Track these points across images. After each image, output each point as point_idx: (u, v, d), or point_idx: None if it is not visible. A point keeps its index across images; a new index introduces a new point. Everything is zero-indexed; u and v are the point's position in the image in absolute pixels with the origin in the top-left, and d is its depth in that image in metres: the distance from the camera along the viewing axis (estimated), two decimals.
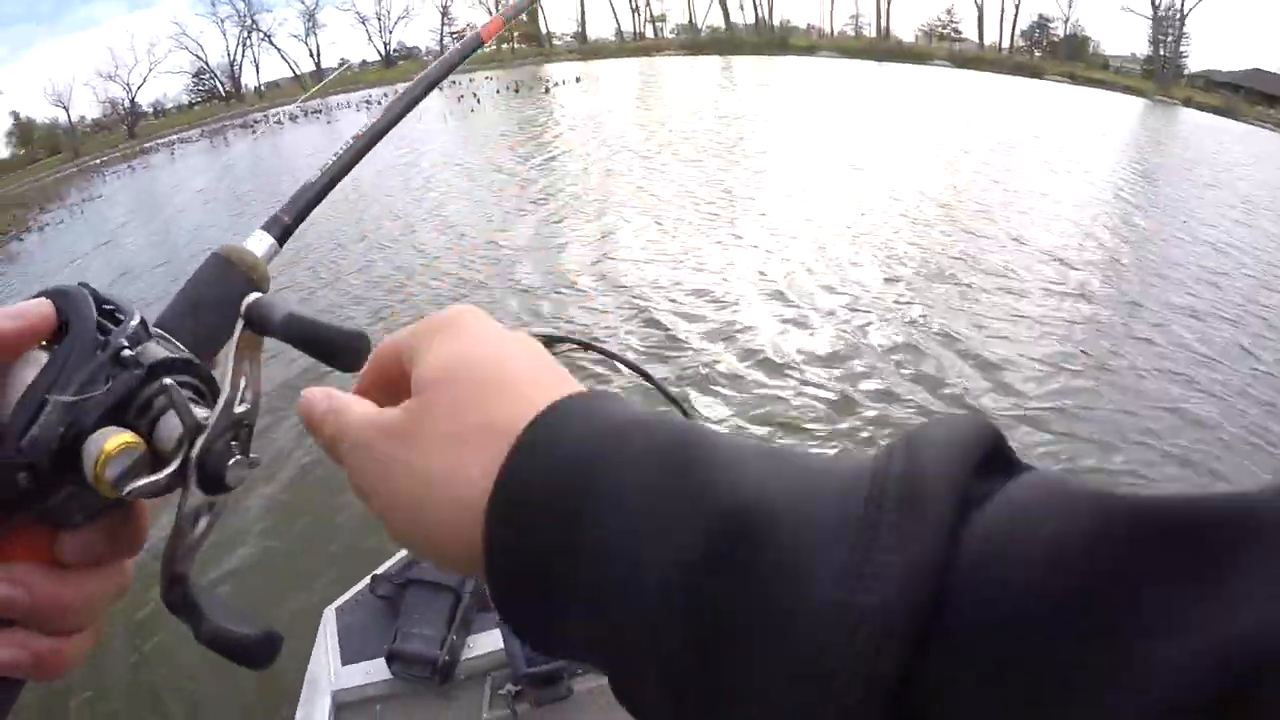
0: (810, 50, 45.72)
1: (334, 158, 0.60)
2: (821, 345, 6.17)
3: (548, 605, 0.30)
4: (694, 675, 0.25)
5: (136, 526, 0.41)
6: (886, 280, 7.65)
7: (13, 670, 0.37)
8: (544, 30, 51.06)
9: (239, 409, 0.40)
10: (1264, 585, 0.19)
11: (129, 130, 41.22)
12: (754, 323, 6.68)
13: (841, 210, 10.36)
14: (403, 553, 2.28)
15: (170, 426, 0.38)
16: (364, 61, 51.55)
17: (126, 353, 0.38)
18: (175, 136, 37.57)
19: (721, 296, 7.28)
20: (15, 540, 0.38)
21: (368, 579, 2.31)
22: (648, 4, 50.84)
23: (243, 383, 0.40)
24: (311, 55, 50.14)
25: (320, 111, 35.91)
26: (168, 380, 0.39)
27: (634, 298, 7.38)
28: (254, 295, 0.40)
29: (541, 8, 49.17)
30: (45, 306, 0.38)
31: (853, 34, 49.02)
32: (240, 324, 0.39)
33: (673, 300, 7.24)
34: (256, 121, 36.83)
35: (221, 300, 0.49)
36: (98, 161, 33.32)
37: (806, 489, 0.26)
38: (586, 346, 1.83)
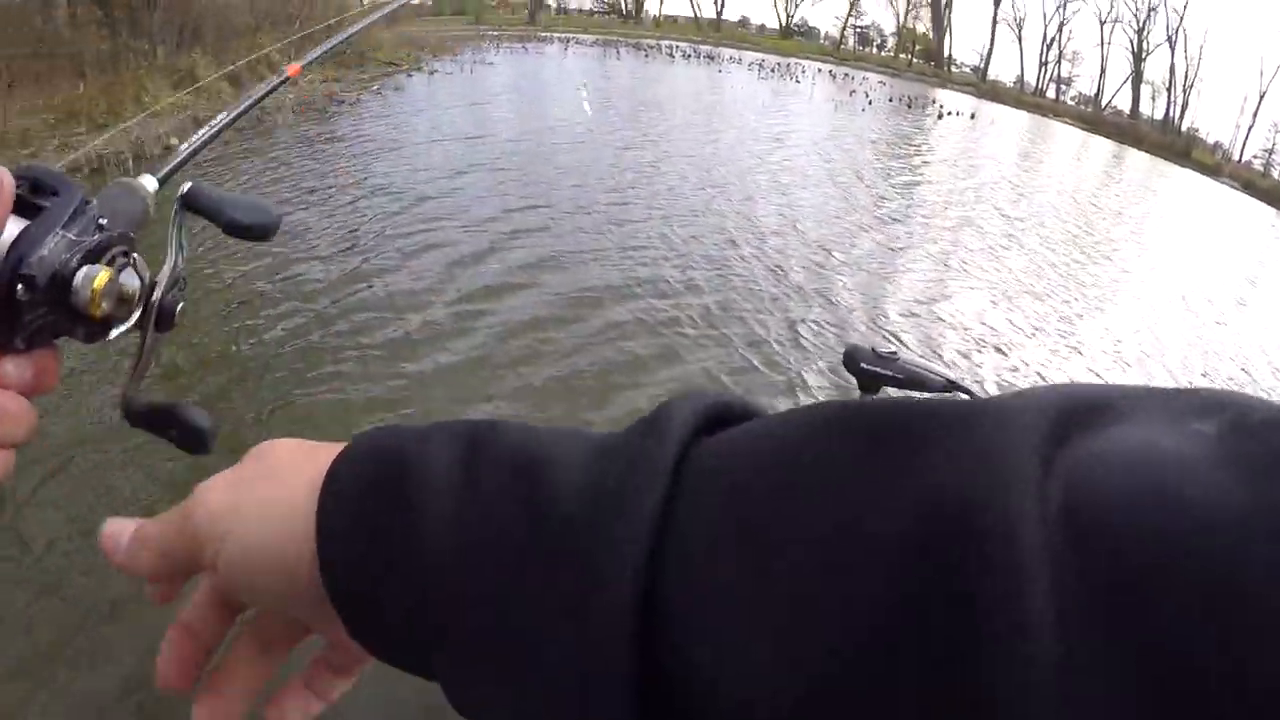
0: (1212, 171, 40.84)
1: (204, 132, 0.69)
2: None
3: (370, 578, 0.33)
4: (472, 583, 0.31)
5: (52, 369, 0.47)
6: None
7: None
8: (946, 53, 49.28)
9: (180, 270, 0.52)
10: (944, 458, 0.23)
11: (530, 16, 43.85)
12: None
13: (1185, 365, 8.89)
14: None
15: (132, 278, 0.49)
16: (763, 26, 52.13)
17: (102, 220, 0.48)
18: (570, 35, 39.51)
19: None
20: None
21: None
22: (1059, 62, 47.55)
23: (180, 252, 0.52)
24: (715, 2, 50.99)
25: (712, 58, 36.69)
26: (133, 250, 0.50)
27: (942, 360, 6.58)
28: (190, 183, 0.53)
29: (950, 28, 46.93)
30: (5, 175, 0.43)
31: (1261, 169, 43.62)
32: (179, 204, 0.52)
33: (977, 380, 6.38)
34: (650, 46, 38.00)
35: (129, 211, 0.54)
36: (495, 33, 35.59)
37: (581, 444, 0.32)
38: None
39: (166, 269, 0.50)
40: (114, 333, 0.48)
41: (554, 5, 46.95)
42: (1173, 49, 43.37)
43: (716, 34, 49.00)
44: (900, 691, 0.21)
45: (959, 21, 49.25)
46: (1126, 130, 43.40)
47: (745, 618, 0.24)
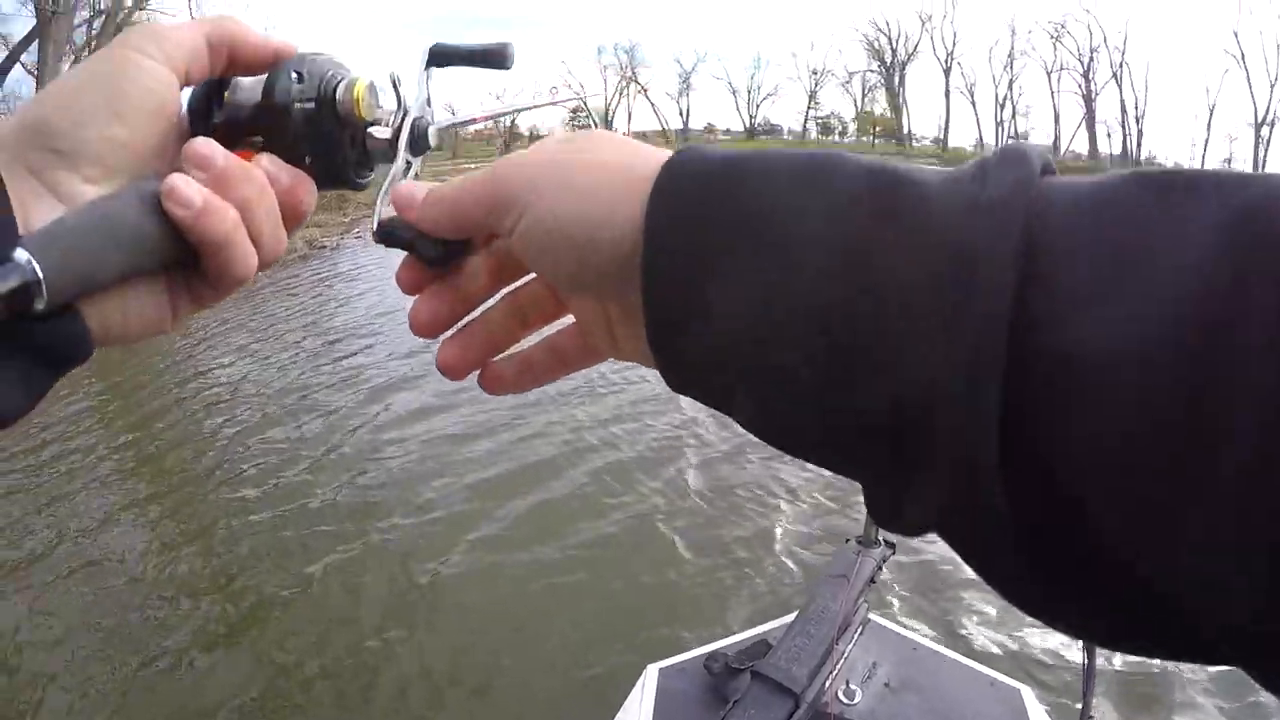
0: None
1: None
2: None
3: (699, 263, 0.33)
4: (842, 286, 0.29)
5: (308, 190, 0.47)
6: None
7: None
8: (905, 129, 50.81)
9: (426, 103, 0.50)
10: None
11: (505, 145, 45.53)
12: None
13: None
14: (746, 634, 2.15)
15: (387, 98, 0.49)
16: (728, 130, 54.10)
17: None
18: None
19: None
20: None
21: (703, 650, 2.11)
22: (1014, 118, 48.42)
23: (425, 89, 0.50)
24: (680, 114, 53.44)
25: None
26: (393, 71, 0.49)
27: None
28: (436, 42, 0.50)
29: (906, 105, 47.78)
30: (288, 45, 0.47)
31: None
32: (426, 59, 0.50)
33: None
34: None
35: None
36: (472, 166, 37.09)
37: (926, 173, 0.31)
38: None
39: (420, 92, 0.49)
40: (371, 142, 0.47)
41: (528, 134, 48.74)
42: (1119, 85, 44.21)
43: (685, 143, 50.46)
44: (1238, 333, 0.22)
45: (914, 97, 50.27)
46: (1088, 170, 43.55)
47: (1114, 292, 0.24)
